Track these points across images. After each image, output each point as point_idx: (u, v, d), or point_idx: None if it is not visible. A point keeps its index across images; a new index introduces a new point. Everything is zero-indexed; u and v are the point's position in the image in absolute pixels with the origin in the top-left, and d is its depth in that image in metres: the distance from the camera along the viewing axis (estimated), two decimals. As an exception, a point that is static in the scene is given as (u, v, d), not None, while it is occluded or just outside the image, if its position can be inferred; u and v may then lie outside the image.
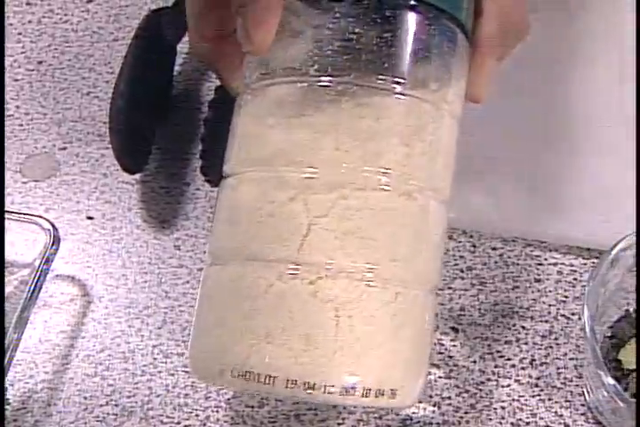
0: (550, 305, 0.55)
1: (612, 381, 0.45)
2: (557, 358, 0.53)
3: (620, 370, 0.50)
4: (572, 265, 0.56)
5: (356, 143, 0.40)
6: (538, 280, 0.56)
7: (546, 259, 0.57)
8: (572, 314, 0.54)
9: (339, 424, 0.51)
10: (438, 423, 0.51)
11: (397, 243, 0.41)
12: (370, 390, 0.39)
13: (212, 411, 0.52)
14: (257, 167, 0.41)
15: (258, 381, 0.38)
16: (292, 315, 0.38)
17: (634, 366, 0.50)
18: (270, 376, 0.38)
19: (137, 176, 0.59)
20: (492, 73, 0.43)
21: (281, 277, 0.39)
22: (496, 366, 0.53)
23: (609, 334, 0.52)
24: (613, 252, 0.47)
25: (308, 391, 0.38)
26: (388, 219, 0.40)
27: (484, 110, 0.57)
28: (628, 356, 0.50)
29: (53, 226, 0.53)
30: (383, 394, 0.40)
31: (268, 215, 0.40)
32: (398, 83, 0.40)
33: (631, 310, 0.53)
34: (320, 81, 0.40)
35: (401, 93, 0.40)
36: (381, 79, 0.40)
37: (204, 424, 0.51)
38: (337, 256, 0.39)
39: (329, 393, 0.38)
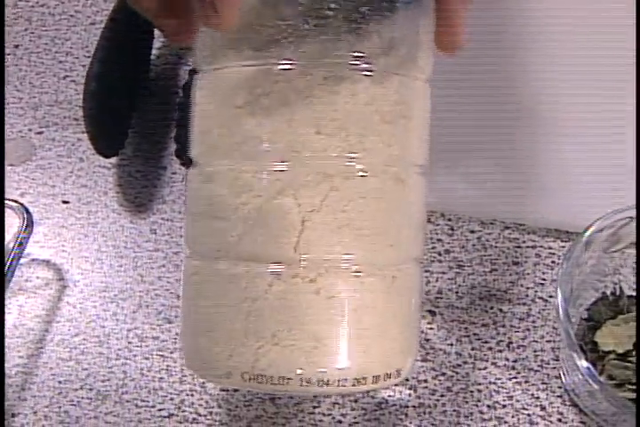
0: (528, 288, 0.55)
1: (585, 363, 0.45)
2: (534, 341, 0.53)
3: (596, 352, 0.50)
4: (550, 248, 0.56)
5: (336, 124, 0.38)
6: (516, 263, 0.56)
7: (524, 242, 0.56)
8: (550, 297, 0.54)
9: (314, 407, 0.51)
10: (414, 406, 0.51)
11: (392, 227, 0.40)
12: (379, 376, 0.40)
13: (187, 395, 0.52)
14: (232, 158, 0.39)
15: (271, 383, 0.38)
16: (296, 314, 0.38)
17: (610, 348, 0.50)
18: (284, 378, 0.38)
19: (113, 160, 0.59)
20: (465, 16, 0.40)
21: (280, 276, 0.38)
22: (473, 349, 0.53)
23: (585, 317, 0.52)
24: (587, 233, 0.47)
25: (323, 387, 0.38)
26: (381, 205, 0.39)
27: (461, 93, 0.57)
28: (604, 338, 0.50)
29: (26, 210, 0.53)
30: (390, 376, 0.40)
31: (256, 211, 0.38)
32: (367, 57, 0.39)
33: (608, 292, 0.52)
34: (288, 60, 0.39)
35: (372, 66, 0.39)
36: (351, 54, 0.39)
37: (179, 408, 0.51)
38: (335, 251, 0.38)
39: (342, 386, 0.38)
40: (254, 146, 0.38)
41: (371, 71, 0.39)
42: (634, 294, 0.52)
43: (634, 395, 0.49)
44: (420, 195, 0.42)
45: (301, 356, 0.38)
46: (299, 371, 0.38)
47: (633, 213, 0.48)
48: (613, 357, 0.49)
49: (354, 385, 0.39)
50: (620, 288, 0.52)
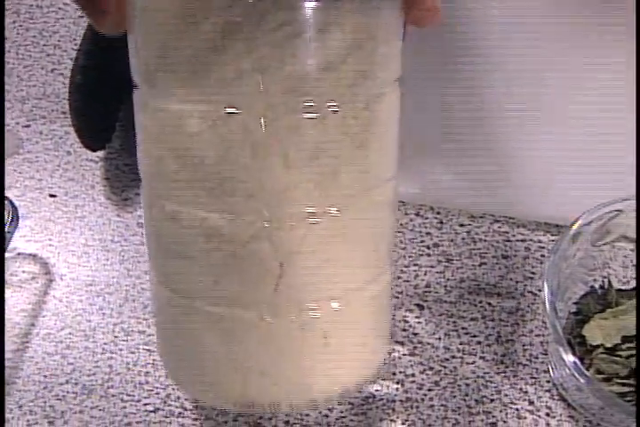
0: (517, 282, 0.54)
1: (572, 358, 0.44)
2: (523, 335, 0.52)
3: (584, 346, 0.50)
4: (539, 241, 0.55)
5: (305, 154, 0.34)
6: (505, 257, 0.55)
7: (514, 235, 0.56)
8: (539, 291, 0.54)
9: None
10: (401, 401, 0.51)
11: (373, 251, 0.39)
12: (361, 382, 0.41)
13: (173, 389, 0.51)
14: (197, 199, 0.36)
15: (262, 408, 0.39)
16: (282, 350, 0.38)
17: (598, 342, 0.49)
18: (274, 404, 0.38)
19: (100, 153, 0.59)
20: None
21: (262, 317, 0.37)
22: (461, 343, 0.52)
23: (574, 310, 0.51)
24: (574, 227, 0.47)
25: (312, 405, 0.39)
26: (363, 235, 0.38)
27: (450, 86, 0.56)
28: (592, 332, 0.50)
29: (12, 203, 0.52)
30: (372, 378, 0.42)
31: (230, 257, 0.36)
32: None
33: (597, 286, 0.52)
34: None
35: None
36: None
37: (165, 402, 0.51)
38: (316, 289, 0.37)
39: (330, 400, 0.40)
40: (219, 184, 0.35)
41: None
42: (623, 287, 0.52)
43: (622, 389, 0.48)
44: (395, 203, 0.41)
45: (290, 384, 0.38)
46: (288, 397, 0.38)
47: (621, 205, 0.48)
48: (602, 351, 0.49)
49: (340, 397, 0.40)
50: (609, 282, 0.52)
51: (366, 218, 0.38)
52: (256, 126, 0.34)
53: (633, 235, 0.51)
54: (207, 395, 0.40)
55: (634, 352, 0.48)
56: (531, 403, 0.51)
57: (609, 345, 0.49)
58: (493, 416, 0.50)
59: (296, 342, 0.38)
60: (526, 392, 0.51)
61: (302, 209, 0.35)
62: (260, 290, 0.36)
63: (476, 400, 0.51)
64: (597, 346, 0.49)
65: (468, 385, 0.51)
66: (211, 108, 0.34)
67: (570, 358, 0.44)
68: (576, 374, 0.45)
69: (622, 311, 0.50)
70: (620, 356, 0.49)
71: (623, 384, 0.48)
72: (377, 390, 0.51)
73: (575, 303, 0.51)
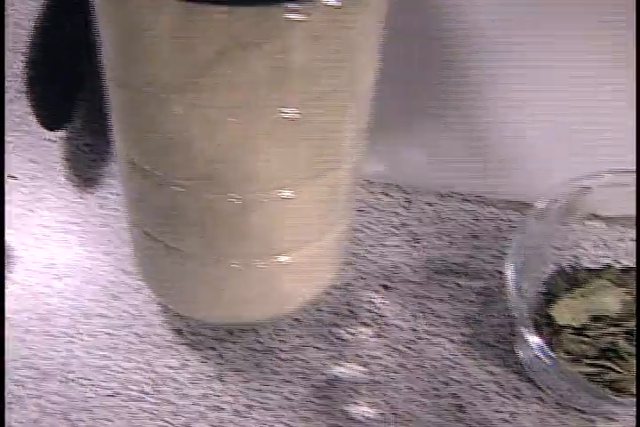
0: (486, 262, 0.53)
1: (536, 339, 0.43)
2: (491, 316, 0.51)
3: (552, 326, 0.48)
4: (509, 220, 0.54)
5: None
6: (474, 236, 0.54)
7: (483, 214, 0.55)
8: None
9: (262, 385, 0.50)
10: (366, 383, 0.50)
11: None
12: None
13: (133, 373, 0.50)
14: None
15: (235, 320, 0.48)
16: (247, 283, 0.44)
17: (566, 323, 0.48)
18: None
19: (61, 134, 0.57)
20: None
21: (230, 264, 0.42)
22: (428, 325, 0.51)
23: (543, 290, 0.50)
24: (540, 204, 0.46)
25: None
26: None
27: (420, 62, 0.55)
28: (560, 312, 0.48)
29: (-33, 184, 0.51)
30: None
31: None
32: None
33: (566, 265, 0.51)
34: None
35: None
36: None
37: (125, 386, 0.50)
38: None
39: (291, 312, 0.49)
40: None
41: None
42: (592, 267, 0.51)
43: (591, 370, 0.47)
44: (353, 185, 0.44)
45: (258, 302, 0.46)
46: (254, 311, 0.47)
47: (589, 182, 0.47)
48: (570, 331, 0.48)
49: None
50: (579, 261, 0.51)
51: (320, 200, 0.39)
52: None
53: (603, 213, 0.50)
54: (188, 310, 0.48)
55: (602, 332, 0.47)
56: (498, 385, 0.50)
57: (577, 325, 0.48)
58: (460, 398, 0.49)
59: (262, 275, 0.43)
60: (494, 374, 0.50)
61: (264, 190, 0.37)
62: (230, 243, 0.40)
63: (442, 382, 0.50)
64: (565, 326, 0.48)
65: (435, 367, 0.50)
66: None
67: (534, 339, 0.43)
68: (541, 356, 0.44)
69: (591, 291, 0.49)
70: (588, 336, 0.48)
71: (592, 365, 0.47)
72: (341, 373, 0.50)
73: (544, 283, 0.50)
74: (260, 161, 0.35)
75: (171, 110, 0.33)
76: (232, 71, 0.31)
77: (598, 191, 0.47)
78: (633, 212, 0.50)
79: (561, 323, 0.48)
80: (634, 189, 0.48)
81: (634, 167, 0.47)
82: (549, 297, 0.50)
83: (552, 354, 0.44)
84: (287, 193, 0.38)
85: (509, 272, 0.44)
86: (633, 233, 0.52)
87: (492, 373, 0.50)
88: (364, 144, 0.42)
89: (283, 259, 0.43)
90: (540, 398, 0.50)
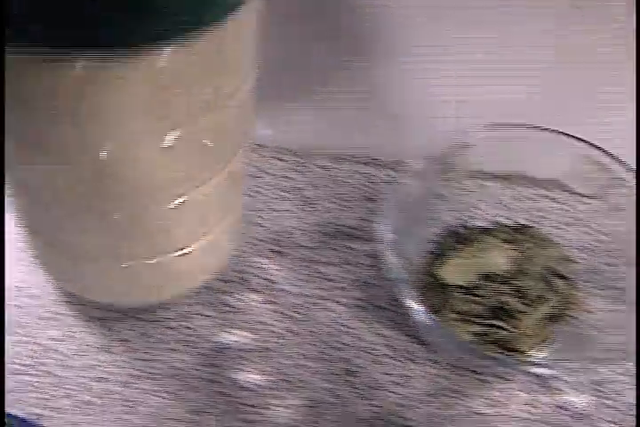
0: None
1: (412, 302, 0.42)
2: (384, 279, 0.50)
3: (440, 286, 0.47)
4: (407, 183, 0.53)
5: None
6: (369, 199, 0.53)
7: (379, 176, 0.53)
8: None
9: (146, 354, 0.48)
10: (255, 350, 0.48)
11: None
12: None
13: (14, 346, 0.48)
14: None
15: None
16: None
17: (454, 282, 0.47)
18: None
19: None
20: None
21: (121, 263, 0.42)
22: (319, 289, 0.50)
23: (431, 250, 0.49)
24: (414, 163, 0.44)
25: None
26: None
27: (309, 24, 0.53)
28: (448, 271, 0.48)
29: None
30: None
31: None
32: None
33: (455, 224, 0.50)
34: None
35: None
36: None
37: (7, 359, 0.48)
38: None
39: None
40: None
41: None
42: (483, 225, 0.50)
43: (481, 329, 0.46)
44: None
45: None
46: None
47: (468, 138, 0.46)
48: (459, 291, 0.47)
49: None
50: (468, 220, 0.50)
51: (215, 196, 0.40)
52: None
53: (489, 169, 0.49)
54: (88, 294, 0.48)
55: (492, 291, 0.46)
56: (391, 348, 0.49)
57: (466, 285, 0.47)
58: (351, 363, 0.48)
59: (158, 271, 0.43)
60: (386, 337, 0.49)
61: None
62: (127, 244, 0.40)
63: (333, 347, 0.49)
64: (454, 286, 0.47)
65: (325, 332, 0.49)
66: None
67: (410, 302, 0.42)
68: (422, 318, 0.43)
69: (481, 250, 0.48)
70: (478, 295, 0.47)
71: (482, 324, 0.46)
72: (230, 340, 0.49)
73: (433, 243, 0.49)
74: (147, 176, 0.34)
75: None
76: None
77: (479, 148, 0.45)
78: (521, 168, 0.50)
79: (449, 283, 0.47)
80: (518, 143, 0.47)
81: (517, 121, 0.47)
82: (438, 257, 0.49)
83: (434, 316, 0.43)
84: (179, 200, 0.37)
85: (385, 233, 0.43)
86: (529, 191, 0.51)
87: (384, 336, 0.49)
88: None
89: (180, 253, 0.42)
90: (434, 361, 0.49)
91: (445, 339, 0.44)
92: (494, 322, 0.46)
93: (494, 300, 0.46)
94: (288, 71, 0.53)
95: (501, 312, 0.46)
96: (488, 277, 0.47)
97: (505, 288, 0.46)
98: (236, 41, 0.32)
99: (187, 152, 0.34)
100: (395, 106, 0.52)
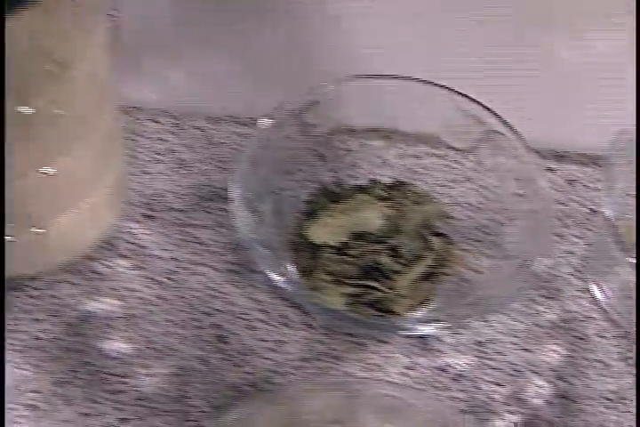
0: (258, 186, 0.50)
1: (265, 267, 0.40)
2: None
3: (310, 247, 0.46)
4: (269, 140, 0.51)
5: None
6: (245, 160, 0.51)
7: (257, 138, 0.51)
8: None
9: (15, 325, 0.46)
10: (122, 317, 0.46)
11: None
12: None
13: None
14: None
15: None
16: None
17: (323, 242, 0.45)
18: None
19: None
20: None
21: None
22: (191, 253, 0.48)
23: (302, 209, 0.47)
24: (263, 120, 0.43)
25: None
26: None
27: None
28: (316, 231, 0.46)
29: None
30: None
31: None
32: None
33: (329, 182, 0.48)
34: None
35: None
36: None
37: None
38: None
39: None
40: None
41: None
42: (360, 183, 0.48)
43: (354, 290, 0.45)
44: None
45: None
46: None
47: (324, 90, 0.44)
48: (330, 251, 0.45)
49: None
50: (347, 180, 0.48)
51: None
52: None
53: (364, 124, 0.47)
54: None
55: (364, 250, 0.45)
56: (264, 313, 0.47)
57: (336, 244, 0.45)
58: (223, 329, 0.46)
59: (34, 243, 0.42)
60: (260, 302, 0.47)
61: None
62: None
63: (204, 313, 0.47)
64: (324, 246, 0.45)
65: (196, 297, 0.47)
66: None
67: (264, 267, 0.40)
68: (287, 282, 0.41)
69: (352, 207, 0.46)
70: (349, 255, 0.45)
71: (355, 285, 0.44)
72: (96, 308, 0.47)
73: (305, 202, 0.47)
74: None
75: None
76: None
77: (335, 100, 0.44)
78: (398, 123, 0.48)
79: (318, 243, 0.45)
80: (391, 96, 0.45)
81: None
82: (309, 217, 0.47)
83: (306, 278, 0.42)
84: (45, 172, 0.37)
85: (234, 194, 0.41)
86: (412, 149, 0.50)
87: (257, 300, 0.47)
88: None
89: (48, 226, 0.41)
90: (309, 325, 0.47)
91: (313, 303, 0.42)
92: (368, 283, 0.45)
93: (367, 260, 0.44)
94: (163, 32, 0.51)
95: (375, 272, 0.44)
96: (361, 236, 0.45)
97: (379, 247, 0.45)
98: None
99: (43, 124, 0.34)
100: (266, 63, 0.50)
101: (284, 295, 0.47)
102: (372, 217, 0.45)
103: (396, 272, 0.45)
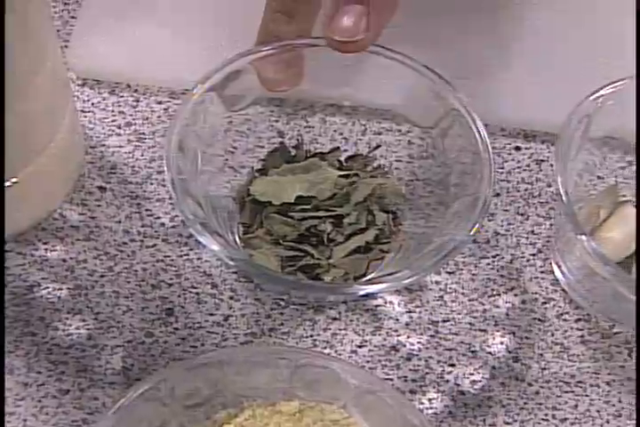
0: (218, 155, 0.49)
1: (194, 231, 0.39)
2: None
3: (254, 203, 0.45)
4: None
5: None
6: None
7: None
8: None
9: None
10: (69, 288, 0.46)
11: None
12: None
13: None
14: None
15: None
16: None
17: (266, 199, 0.45)
18: None
19: None
20: None
21: None
22: (143, 226, 0.47)
23: (255, 167, 0.47)
24: (199, 90, 0.42)
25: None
26: None
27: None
28: (261, 188, 0.45)
29: None
30: None
31: None
32: None
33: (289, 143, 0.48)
34: None
35: None
36: None
37: None
38: None
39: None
40: None
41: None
42: (319, 149, 0.47)
43: (288, 253, 0.44)
44: None
45: None
46: None
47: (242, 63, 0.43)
48: (272, 209, 0.44)
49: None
50: (302, 139, 0.47)
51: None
52: None
53: (326, 96, 0.46)
54: None
55: (307, 215, 0.44)
56: (214, 286, 0.46)
57: (278, 203, 0.44)
58: (170, 302, 0.46)
59: None
60: (210, 275, 0.46)
61: None
62: None
63: (152, 286, 0.46)
64: (268, 204, 0.44)
65: (145, 270, 0.46)
66: None
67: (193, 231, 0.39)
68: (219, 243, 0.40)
69: (305, 170, 0.45)
70: (291, 217, 0.44)
71: (292, 248, 0.43)
72: (43, 279, 0.46)
73: (261, 160, 0.47)
74: None
75: None
76: None
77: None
78: (360, 97, 0.47)
79: (262, 199, 0.44)
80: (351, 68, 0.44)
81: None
82: (260, 174, 0.46)
83: (246, 236, 0.41)
84: None
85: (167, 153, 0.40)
86: (374, 124, 0.48)
87: (207, 274, 0.46)
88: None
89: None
90: (258, 299, 0.46)
91: (245, 263, 0.41)
92: (304, 247, 0.44)
93: (309, 225, 0.43)
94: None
95: (313, 238, 0.43)
96: (308, 200, 0.44)
97: (323, 215, 0.44)
98: None
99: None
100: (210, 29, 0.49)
101: (231, 266, 0.46)
102: (323, 183, 0.44)
103: (334, 242, 0.44)
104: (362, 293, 0.38)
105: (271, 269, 0.41)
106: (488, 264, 0.47)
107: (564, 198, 0.41)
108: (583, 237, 0.40)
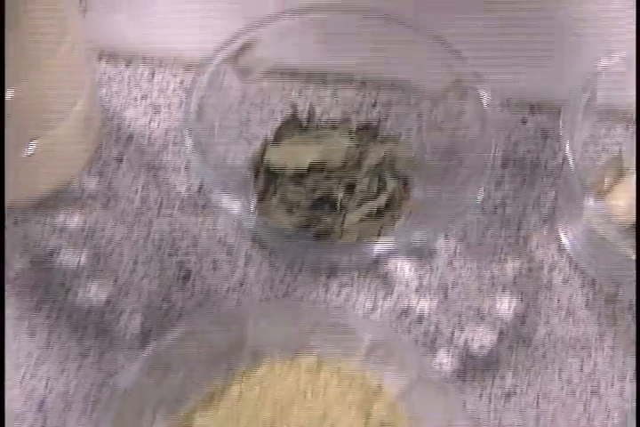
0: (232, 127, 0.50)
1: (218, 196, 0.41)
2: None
3: (267, 171, 0.47)
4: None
5: None
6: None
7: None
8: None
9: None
10: (88, 255, 0.47)
11: None
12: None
13: None
14: None
15: None
16: None
17: (279, 168, 0.46)
18: None
19: None
20: None
21: None
22: (159, 195, 0.49)
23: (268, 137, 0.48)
24: (214, 62, 0.44)
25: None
26: None
27: None
28: (274, 156, 0.46)
29: None
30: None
31: None
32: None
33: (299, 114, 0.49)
34: None
35: None
36: None
37: None
38: None
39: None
40: None
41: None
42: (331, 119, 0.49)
43: (304, 220, 0.45)
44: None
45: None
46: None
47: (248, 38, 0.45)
48: (286, 178, 0.45)
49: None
50: (314, 110, 0.48)
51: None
52: None
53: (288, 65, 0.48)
54: None
55: (320, 183, 0.45)
56: (229, 253, 0.47)
57: (292, 172, 0.45)
58: (187, 268, 0.47)
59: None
60: (225, 242, 0.48)
61: None
62: None
63: (169, 254, 0.47)
64: (281, 172, 0.46)
65: (162, 238, 0.48)
66: None
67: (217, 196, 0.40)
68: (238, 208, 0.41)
69: (316, 138, 0.46)
70: (304, 185, 0.45)
71: (305, 215, 0.45)
72: (62, 246, 0.47)
73: (275, 131, 0.48)
74: None
75: None
76: None
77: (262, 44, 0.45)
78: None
79: (275, 166, 0.45)
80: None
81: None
82: (273, 142, 0.47)
83: (259, 203, 0.42)
84: None
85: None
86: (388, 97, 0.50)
87: (223, 242, 0.48)
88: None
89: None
90: (271, 265, 0.47)
91: (262, 226, 0.42)
92: (317, 213, 0.45)
93: (322, 192, 0.45)
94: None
95: (326, 205, 0.44)
96: (320, 168, 0.45)
97: (335, 182, 0.45)
98: None
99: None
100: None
101: (249, 236, 0.47)
102: (334, 152, 0.45)
103: (347, 208, 0.45)
104: (374, 252, 0.39)
105: (287, 230, 0.42)
106: (496, 231, 0.48)
107: (570, 163, 0.42)
108: (590, 199, 0.41)
